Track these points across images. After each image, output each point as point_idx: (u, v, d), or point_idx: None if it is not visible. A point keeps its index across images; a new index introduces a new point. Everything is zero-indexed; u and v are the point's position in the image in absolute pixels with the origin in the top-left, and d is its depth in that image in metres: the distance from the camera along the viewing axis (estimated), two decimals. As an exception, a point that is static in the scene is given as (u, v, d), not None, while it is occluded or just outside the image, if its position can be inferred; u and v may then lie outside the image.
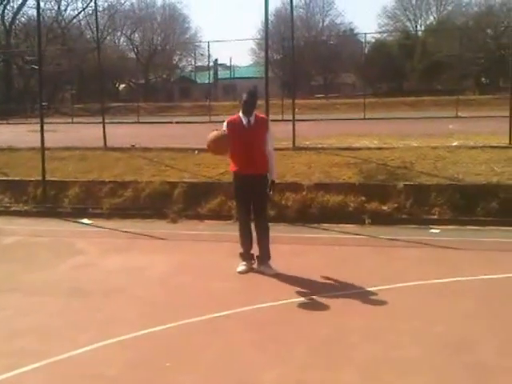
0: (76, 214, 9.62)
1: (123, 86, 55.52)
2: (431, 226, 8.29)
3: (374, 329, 4.73)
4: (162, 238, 8.08)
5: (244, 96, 6.05)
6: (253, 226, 6.30)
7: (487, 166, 9.62)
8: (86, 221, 9.33)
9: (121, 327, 4.81)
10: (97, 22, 16.64)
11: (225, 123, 6.15)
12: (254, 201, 6.17)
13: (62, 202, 10.04)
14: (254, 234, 6.27)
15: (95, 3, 14.33)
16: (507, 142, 11.24)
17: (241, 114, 6.08)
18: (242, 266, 6.26)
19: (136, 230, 8.54)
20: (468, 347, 4.34)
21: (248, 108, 6.03)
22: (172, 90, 55.21)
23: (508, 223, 8.20)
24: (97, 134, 13.75)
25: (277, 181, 6.45)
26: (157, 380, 4.00)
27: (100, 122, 13.69)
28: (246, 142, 5.95)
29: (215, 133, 5.89)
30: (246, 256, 6.29)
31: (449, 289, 5.67)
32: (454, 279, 5.90)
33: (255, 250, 6.34)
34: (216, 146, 5.95)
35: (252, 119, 6.05)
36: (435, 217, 8.52)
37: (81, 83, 41.73)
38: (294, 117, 11.83)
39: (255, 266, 6.30)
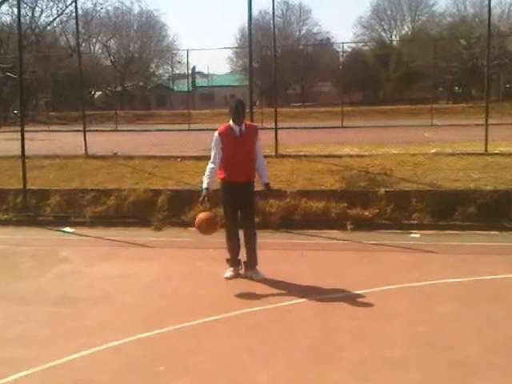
0: (58, 222, 9.55)
1: (99, 93, 55.11)
2: (412, 231, 8.48)
3: (362, 330, 4.86)
4: (147, 246, 8.10)
5: (234, 105, 6.13)
6: (240, 232, 6.37)
7: (464, 172, 9.87)
8: (68, 229, 9.29)
9: (112, 333, 4.83)
10: (77, 29, 16.39)
11: (216, 134, 6.20)
12: (242, 207, 6.25)
13: (43, 210, 9.95)
14: (242, 240, 6.35)
15: (76, 9, 14.16)
16: (483, 149, 11.53)
17: (231, 122, 6.16)
18: (229, 272, 6.34)
19: (120, 237, 8.54)
20: (452, 345, 4.49)
21: (239, 117, 6.12)
22: (149, 98, 55.00)
23: (485, 227, 8.44)
24: (76, 141, 13.70)
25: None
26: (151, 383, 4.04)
27: (77, 130, 13.66)
28: (238, 150, 6.06)
29: (205, 215, 6.18)
30: (234, 262, 6.36)
31: (431, 291, 5.84)
32: (436, 282, 6.06)
33: (242, 256, 6.41)
34: (207, 228, 6.14)
35: (243, 127, 6.15)
36: (415, 222, 8.72)
37: (55, 91, 41.35)
38: (276, 124, 11.96)
39: (242, 271, 6.37)
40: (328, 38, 56.13)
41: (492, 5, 13.28)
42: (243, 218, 6.31)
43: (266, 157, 10.74)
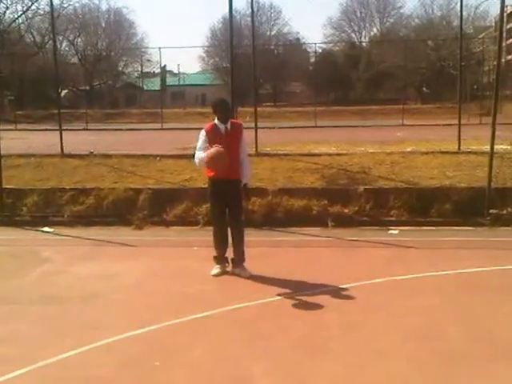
0: (36, 222, 9.41)
1: (65, 91, 54.23)
2: (390, 228, 8.67)
3: (349, 323, 4.99)
4: (129, 245, 8.06)
5: (218, 103, 6.24)
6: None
7: (439, 170, 10.14)
8: (47, 229, 9.17)
9: (104, 331, 4.84)
10: (53, 24, 16.05)
11: (203, 132, 6.23)
12: (229, 205, 6.29)
13: (20, 210, 9.81)
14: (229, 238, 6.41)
15: (51, 4, 13.88)
16: (456, 147, 11.83)
17: (216, 121, 6.21)
18: (216, 269, 6.39)
19: (101, 237, 8.49)
20: (437, 336, 4.66)
21: (224, 115, 6.19)
22: (117, 97, 54.33)
23: (460, 223, 8.71)
24: (48, 140, 13.52)
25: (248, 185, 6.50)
26: (148, 378, 4.08)
27: (47, 129, 13.46)
28: (224, 148, 6.00)
29: (214, 151, 5.92)
30: (221, 259, 6.42)
31: (413, 284, 6.01)
32: (417, 275, 6.24)
33: (229, 254, 6.47)
34: (216, 163, 5.99)
35: (228, 125, 6.21)
36: (393, 218, 8.92)
37: (21, 89, 40.59)
38: (256, 124, 12.07)
39: (229, 268, 6.43)
40: (298, 39, 56.60)
41: (459, 8, 13.63)
42: (230, 215, 6.34)
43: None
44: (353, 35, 59.74)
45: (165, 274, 6.63)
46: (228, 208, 6.32)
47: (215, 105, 6.27)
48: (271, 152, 11.95)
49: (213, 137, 6.12)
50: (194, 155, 6.37)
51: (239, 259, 6.37)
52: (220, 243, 6.40)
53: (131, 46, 55.29)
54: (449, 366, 4.12)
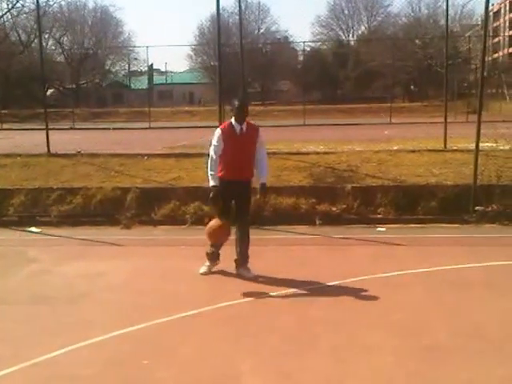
0: (23, 222, 9.39)
1: (51, 90, 53.86)
2: (377, 225, 8.75)
3: (336, 319, 5.04)
4: (117, 244, 8.06)
5: (237, 103, 6.04)
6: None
7: (426, 168, 10.25)
8: (34, 229, 9.14)
9: (92, 330, 4.84)
10: (39, 22, 15.95)
11: (218, 130, 6.11)
12: (237, 205, 6.20)
13: (6, 210, 9.76)
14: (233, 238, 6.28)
15: (37, 2, 13.78)
16: (442, 145, 11.94)
17: (233, 120, 6.07)
18: (204, 268, 6.37)
19: (89, 236, 8.48)
20: (422, 331, 4.73)
21: (241, 115, 6.04)
22: (105, 96, 54.11)
23: (446, 220, 8.80)
24: (35, 140, 13.44)
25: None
26: (136, 377, 4.09)
27: (33, 129, 13.39)
28: (238, 149, 5.98)
29: (217, 222, 5.95)
30: (214, 256, 6.35)
31: (400, 281, 6.09)
32: (403, 272, 6.32)
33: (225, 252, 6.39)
34: (217, 236, 6.02)
35: (244, 127, 6.06)
36: (381, 216, 9.02)
37: (6, 88, 40.24)
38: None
39: (221, 266, 6.37)
40: (286, 37, 56.71)
41: (445, 7, 13.72)
42: (238, 215, 6.22)
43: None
44: (341, 34, 60.05)
45: (153, 273, 6.63)
46: (236, 208, 6.22)
47: (233, 104, 6.09)
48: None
49: (227, 136, 6.01)
50: (208, 154, 6.17)
51: (243, 259, 6.28)
52: (220, 239, 6.19)
53: (118, 45, 55.11)
54: (434, 361, 4.18)
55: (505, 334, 4.64)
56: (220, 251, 6.41)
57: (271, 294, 5.71)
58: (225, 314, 5.24)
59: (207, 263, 6.40)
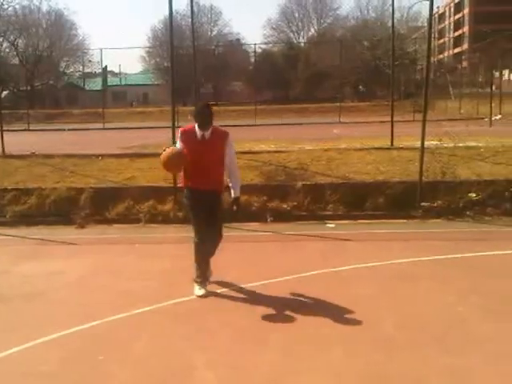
0: (-24, 223, 9.29)
1: (6, 92, 52.69)
2: (327, 221, 9.01)
3: (287, 313, 5.15)
4: (72, 243, 8.07)
5: (199, 110, 5.56)
6: None
7: (373, 165, 10.60)
8: (-12, 229, 9.06)
9: (48, 327, 4.88)
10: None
11: (180, 130, 5.74)
12: (207, 216, 5.60)
13: (-40, 211, 9.63)
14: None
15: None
16: (390, 144, 12.37)
17: (196, 126, 5.55)
18: (201, 290, 5.72)
19: (44, 236, 8.46)
20: (372, 324, 4.87)
21: (204, 122, 5.50)
22: (59, 97, 53.57)
23: (393, 216, 9.12)
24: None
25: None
26: (92, 372, 4.15)
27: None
28: (199, 156, 5.45)
29: (170, 150, 5.50)
30: (204, 278, 5.80)
31: (350, 275, 6.28)
32: (353, 266, 6.52)
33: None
34: (171, 164, 5.52)
35: (207, 133, 5.51)
36: (330, 213, 9.28)
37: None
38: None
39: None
40: (238, 39, 57.08)
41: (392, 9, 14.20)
42: (207, 226, 5.61)
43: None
44: (291, 36, 60.79)
45: (107, 270, 6.69)
46: (206, 218, 5.61)
47: (195, 111, 5.60)
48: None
49: (187, 140, 5.57)
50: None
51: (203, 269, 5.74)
52: (203, 259, 5.75)
53: (73, 47, 54.79)
54: (382, 353, 4.29)
55: (447, 325, 4.81)
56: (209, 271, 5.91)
57: (223, 289, 5.79)
58: (178, 310, 5.32)
59: (201, 286, 5.75)
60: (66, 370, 4.19)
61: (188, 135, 5.59)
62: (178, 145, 5.63)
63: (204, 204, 5.56)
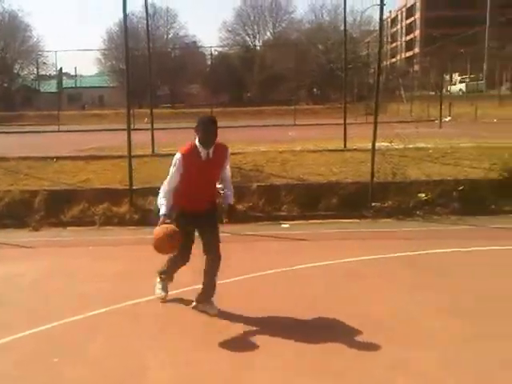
0: None
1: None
2: (282, 222, 9.16)
3: (239, 313, 5.18)
4: (26, 246, 7.98)
5: (204, 126, 4.86)
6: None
7: (327, 167, 10.80)
8: None
9: (2, 331, 4.83)
10: None
11: (178, 155, 4.92)
12: (202, 234, 5.27)
13: None
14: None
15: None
16: (342, 145, 12.64)
17: (197, 143, 4.91)
18: (162, 291, 5.59)
19: (-4, 239, 8.32)
20: (323, 322, 4.98)
21: (209, 140, 4.88)
22: (13, 99, 52.49)
23: (346, 216, 9.32)
24: None
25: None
26: (47, 375, 4.14)
27: None
28: (200, 177, 4.98)
29: (164, 230, 4.84)
30: (167, 278, 5.62)
31: (301, 274, 6.39)
32: (307, 265, 6.66)
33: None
34: (166, 247, 4.94)
35: (211, 151, 4.94)
36: (285, 213, 9.45)
37: None
38: (152, 125, 12.28)
39: (193, 304, 5.46)
40: (195, 42, 57.09)
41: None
42: (205, 244, 5.22)
43: (143, 156, 11.13)
44: (247, 39, 61.08)
45: (61, 273, 6.64)
46: (201, 237, 5.29)
47: (199, 126, 4.88)
48: (168, 153, 12.12)
49: (190, 163, 4.90)
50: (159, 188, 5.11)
51: (208, 294, 5.30)
52: (176, 270, 5.57)
53: (27, 49, 53.65)
54: (330, 353, 4.36)
55: (396, 321, 4.95)
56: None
57: (178, 290, 5.76)
58: (133, 311, 5.33)
59: (162, 287, 5.61)
60: (21, 372, 4.17)
61: (191, 157, 4.92)
62: (174, 172, 4.93)
63: (198, 222, 5.16)
